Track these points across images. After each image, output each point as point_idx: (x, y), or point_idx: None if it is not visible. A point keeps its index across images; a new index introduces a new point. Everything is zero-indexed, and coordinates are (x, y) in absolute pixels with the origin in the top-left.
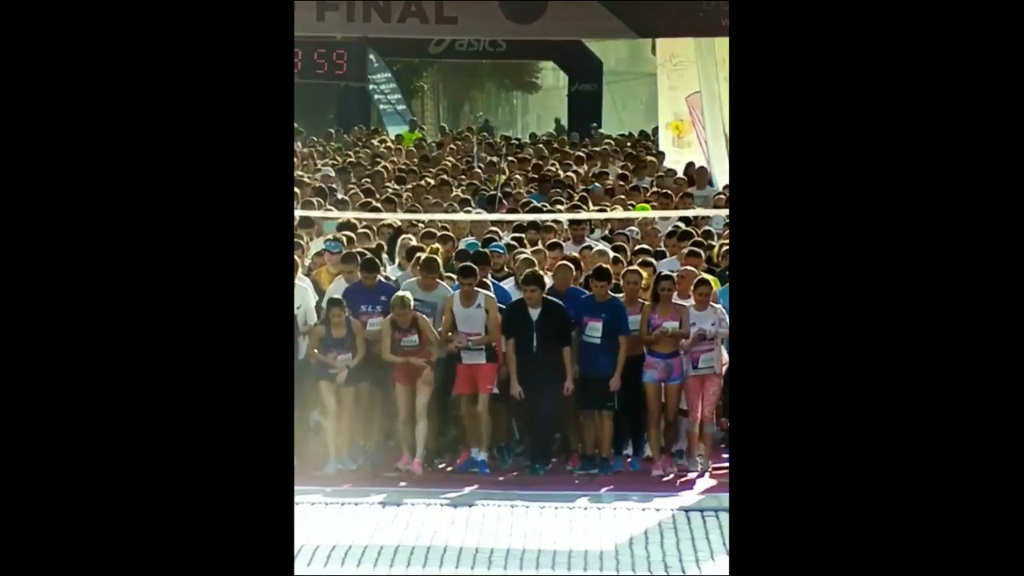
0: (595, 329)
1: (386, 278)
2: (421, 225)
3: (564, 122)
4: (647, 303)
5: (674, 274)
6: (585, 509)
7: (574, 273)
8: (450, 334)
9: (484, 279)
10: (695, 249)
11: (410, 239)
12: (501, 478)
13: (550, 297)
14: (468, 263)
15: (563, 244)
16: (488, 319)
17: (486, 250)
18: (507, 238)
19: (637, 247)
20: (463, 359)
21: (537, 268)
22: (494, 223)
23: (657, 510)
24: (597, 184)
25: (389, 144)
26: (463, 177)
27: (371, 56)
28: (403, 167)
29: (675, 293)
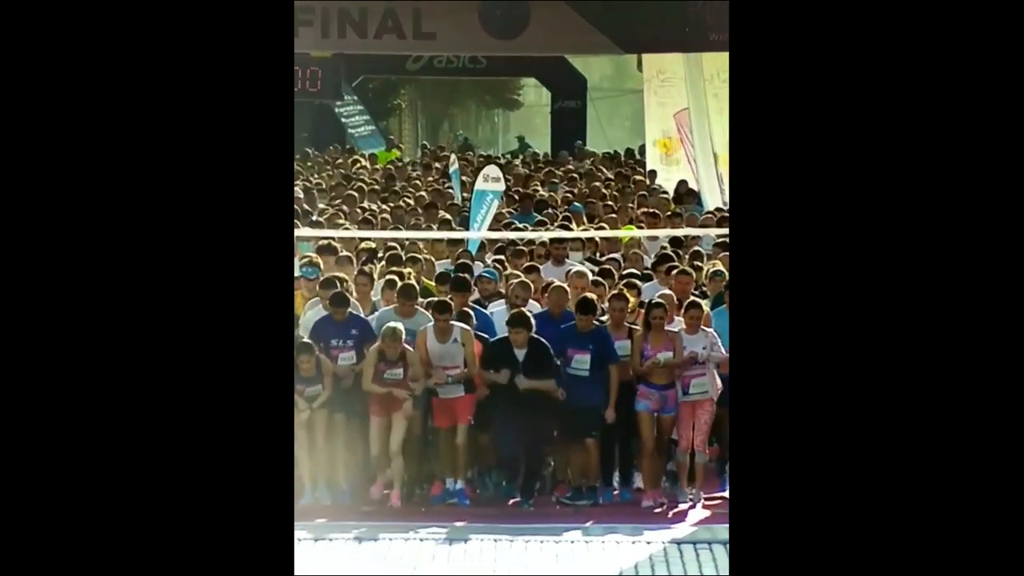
0: (582, 362)
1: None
2: (399, 248)
3: (528, 140)
4: (639, 332)
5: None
6: (572, 542)
7: (569, 296)
8: (428, 369)
9: (465, 307)
10: (686, 269)
11: (381, 262)
12: (483, 511)
13: (536, 336)
14: (444, 299)
15: (540, 267)
16: (466, 352)
17: (465, 275)
18: (488, 259)
19: (626, 271)
20: (439, 393)
21: (524, 304)
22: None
23: (648, 543)
24: (578, 204)
25: (363, 164)
26: (423, 194)
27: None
28: (376, 187)
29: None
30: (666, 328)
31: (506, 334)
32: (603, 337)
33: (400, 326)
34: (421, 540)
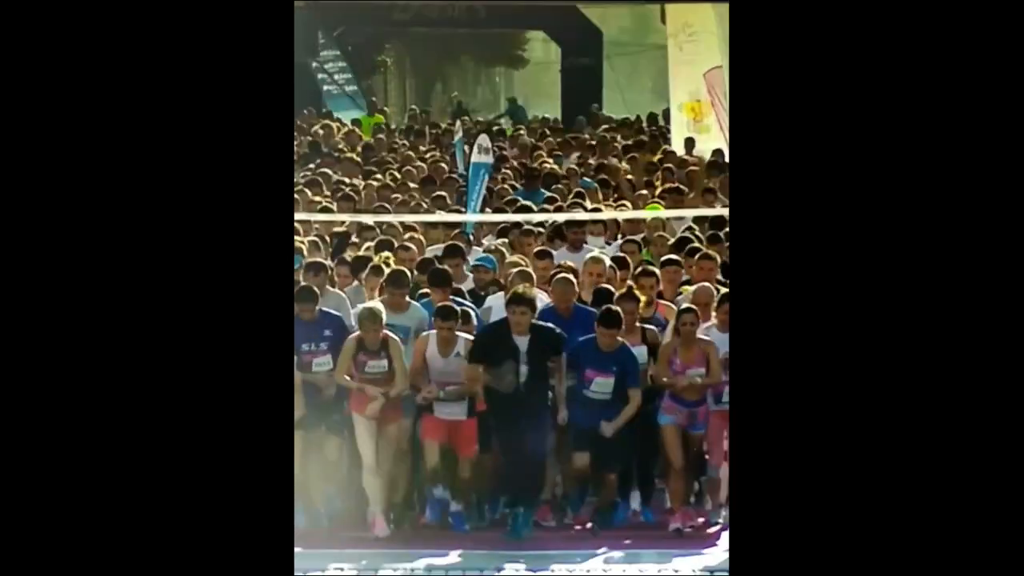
0: (604, 385)
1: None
2: (378, 230)
3: (535, 103)
4: (667, 342)
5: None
6: (588, 572)
7: (576, 288)
8: (420, 381)
9: (447, 302)
10: (709, 252)
11: (354, 245)
12: (484, 536)
13: (540, 322)
14: (448, 304)
15: (554, 252)
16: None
17: (444, 268)
18: (488, 243)
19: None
20: (436, 411)
21: (528, 286)
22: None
23: (676, 571)
24: (587, 179)
25: (352, 130)
26: (419, 165)
27: (319, 32)
28: (357, 160)
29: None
30: (699, 336)
31: (504, 316)
32: (628, 358)
33: (379, 306)
34: (414, 571)
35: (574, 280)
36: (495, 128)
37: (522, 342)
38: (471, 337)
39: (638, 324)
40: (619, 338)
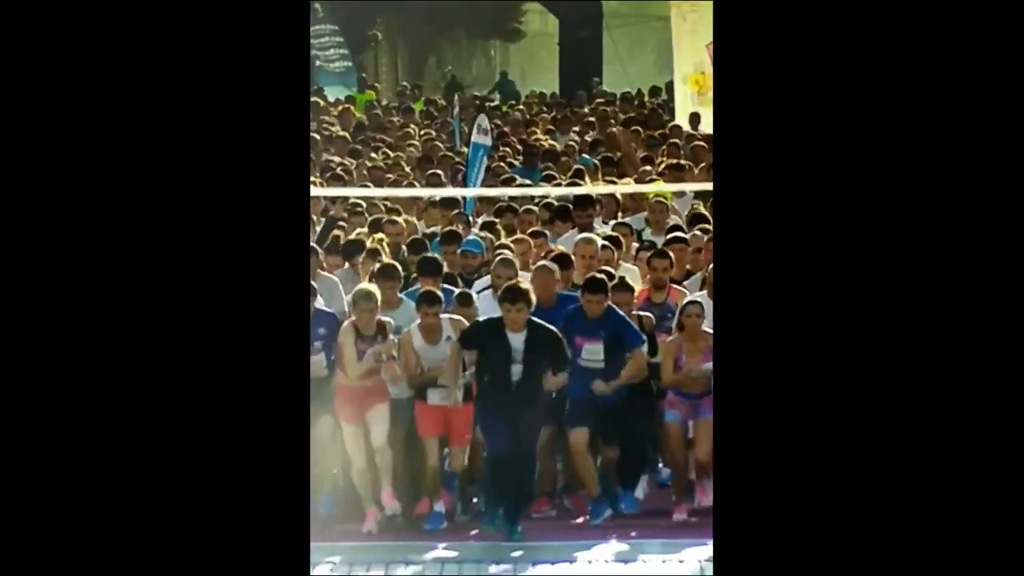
0: (594, 352)
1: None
2: (366, 215)
3: (511, 76)
4: (671, 338)
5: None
6: (590, 562)
7: (557, 276)
8: (416, 375)
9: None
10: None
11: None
12: (475, 531)
13: (538, 320)
14: (429, 289)
15: (560, 235)
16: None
17: (435, 256)
18: (478, 225)
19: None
20: (428, 398)
21: (517, 280)
22: (457, 208)
23: (681, 561)
24: (586, 156)
25: (348, 108)
26: (414, 144)
27: (316, 5)
28: (349, 139)
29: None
30: (704, 329)
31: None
32: (617, 320)
33: (374, 288)
34: (408, 564)
35: (555, 268)
36: (489, 104)
37: (516, 339)
38: (457, 318)
39: (635, 312)
40: (608, 304)
